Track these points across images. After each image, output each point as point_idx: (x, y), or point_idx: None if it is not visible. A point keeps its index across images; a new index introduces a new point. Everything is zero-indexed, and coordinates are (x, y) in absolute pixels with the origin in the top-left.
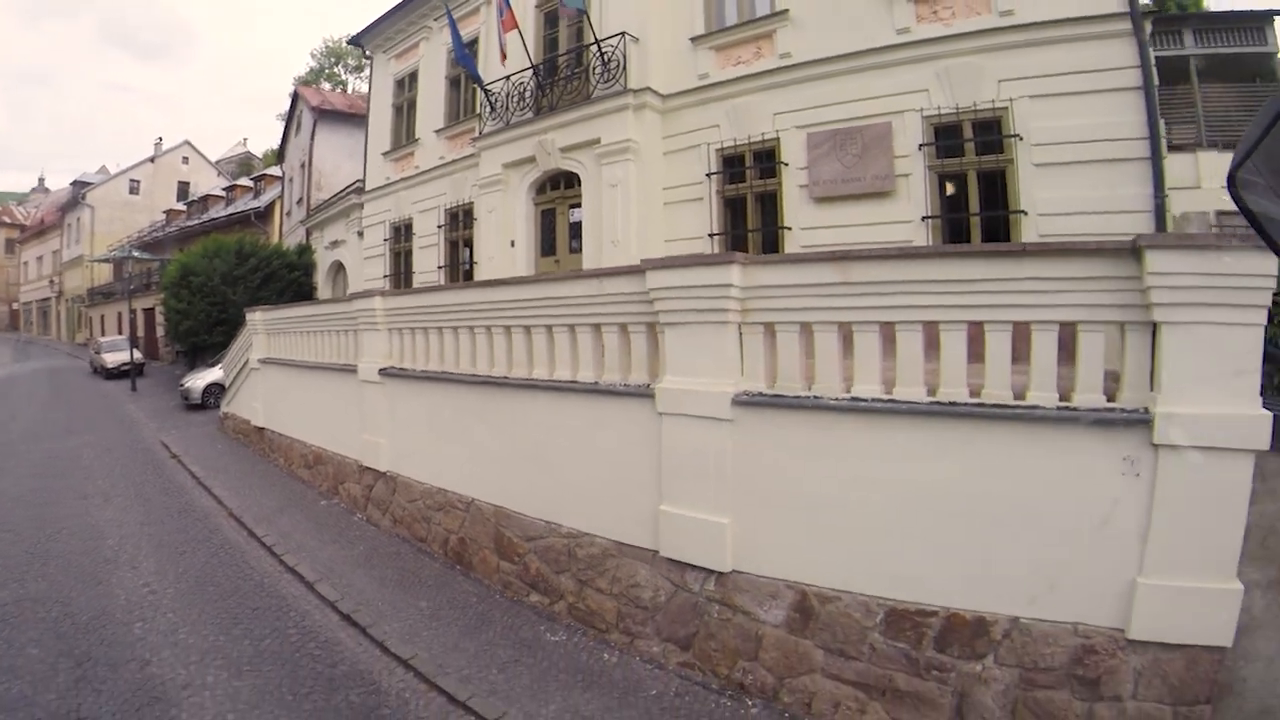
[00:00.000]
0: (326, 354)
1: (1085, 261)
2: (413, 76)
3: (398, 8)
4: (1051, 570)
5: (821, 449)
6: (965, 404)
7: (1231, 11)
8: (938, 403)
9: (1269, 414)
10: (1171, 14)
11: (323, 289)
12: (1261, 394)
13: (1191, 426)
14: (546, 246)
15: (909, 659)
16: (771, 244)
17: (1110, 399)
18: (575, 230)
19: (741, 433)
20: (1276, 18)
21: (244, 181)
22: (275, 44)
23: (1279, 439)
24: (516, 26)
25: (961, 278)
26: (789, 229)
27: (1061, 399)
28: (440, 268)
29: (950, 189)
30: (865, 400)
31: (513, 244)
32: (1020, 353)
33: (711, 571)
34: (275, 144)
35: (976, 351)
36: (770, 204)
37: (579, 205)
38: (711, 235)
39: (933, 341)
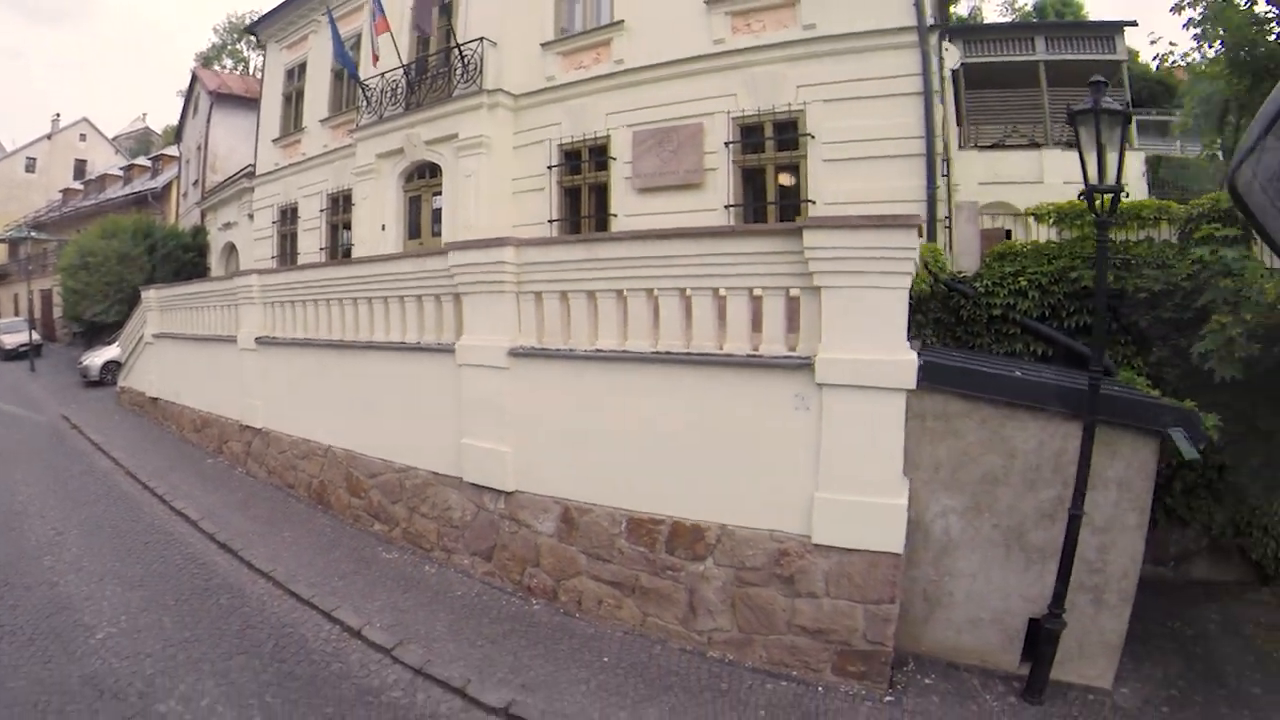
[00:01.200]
0: (212, 327)
1: (765, 240)
2: (302, 67)
3: (289, 2)
4: (748, 486)
5: (574, 389)
6: (679, 353)
7: (1084, 21)
8: (658, 352)
9: (913, 359)
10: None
11: (216, 269)
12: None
13: (843, 369)
14: (413, 230)
15: (648, 560)
16: (602, 228)
17: (792, 349)
18: (438, 215)
19: (516, 378)
20: (1126, 28)
21: (141, 161)
22: (178, 14)
23: (963, 384)
24: (389, 30)
25: (676, 254)
26: (616, 216)
27: (754, 349)
28: (322, 249)
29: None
30: (606, 351)
31: (384, 228)
32: (724, 312)
33: (500, 492)
34: (175, 119)
35: (690, 311)
36: (602, 193)
37: (441, 193)
38: (551, 221)
39: (656, 304)
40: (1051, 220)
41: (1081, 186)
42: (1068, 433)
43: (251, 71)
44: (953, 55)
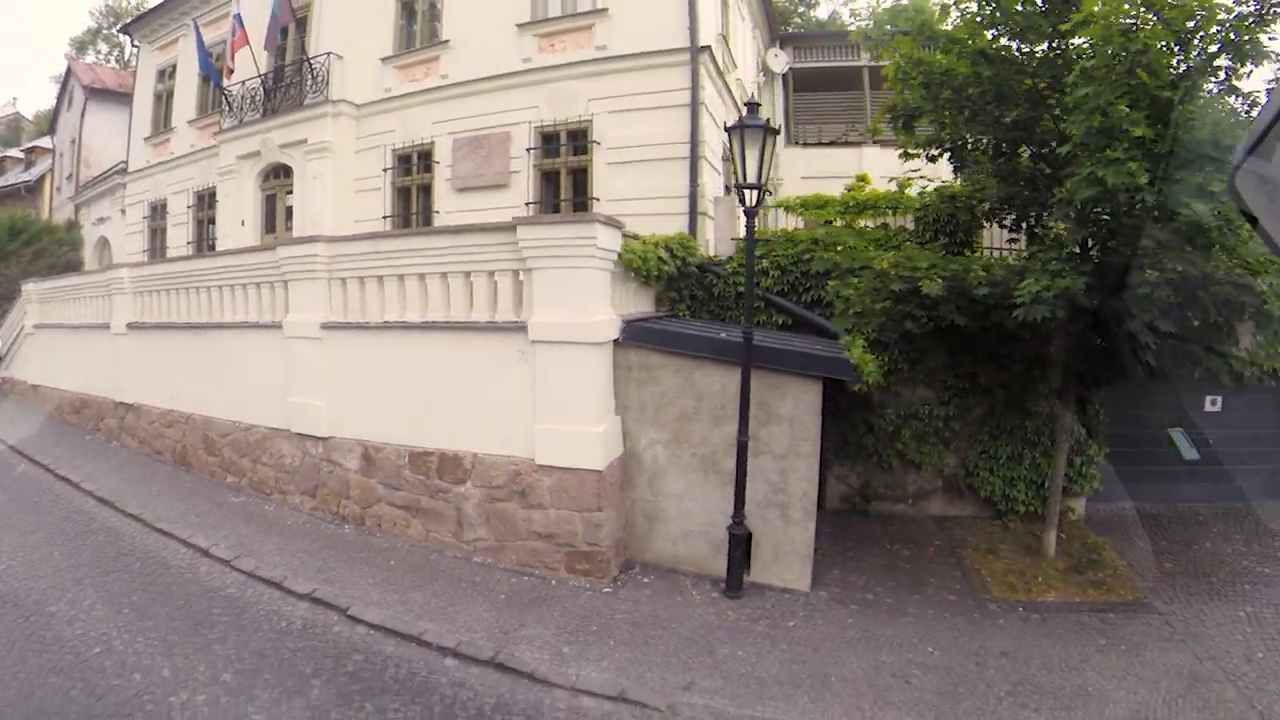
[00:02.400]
0: (88, 316)
1: (494, 235)
2: (172, 68)
3: (161, 4)
4: (491, 421)
5: (370, 352)
6: (441, 321)
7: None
8: (426, 321)
9: (610, 320)
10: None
11: (90, 263)
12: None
13: (549, 329)
14: (269, 225)
15: (426, 486)
16: (427, 223)
17: (518, 316)
18: (290, 212)
19: (327, 346)
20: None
21: (14, 153)
22: None
23: (660, 341)
24: (248, 44)
25: (437, 246)
26: (439, 212)
27: (492, 317)
28: (189, 243)
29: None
30: (391, 322)
31: (243, 223)
32: (472, 290)
33: (319, 438)
34: (48, 104)
35: (449, 289)
36: (428, 193)
37: (293, 192)
38: (385, 217)
39: (424, 284)
40: (798, 211)
41: (890, 178)
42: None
43: (126, 58)
44: (781, 61)
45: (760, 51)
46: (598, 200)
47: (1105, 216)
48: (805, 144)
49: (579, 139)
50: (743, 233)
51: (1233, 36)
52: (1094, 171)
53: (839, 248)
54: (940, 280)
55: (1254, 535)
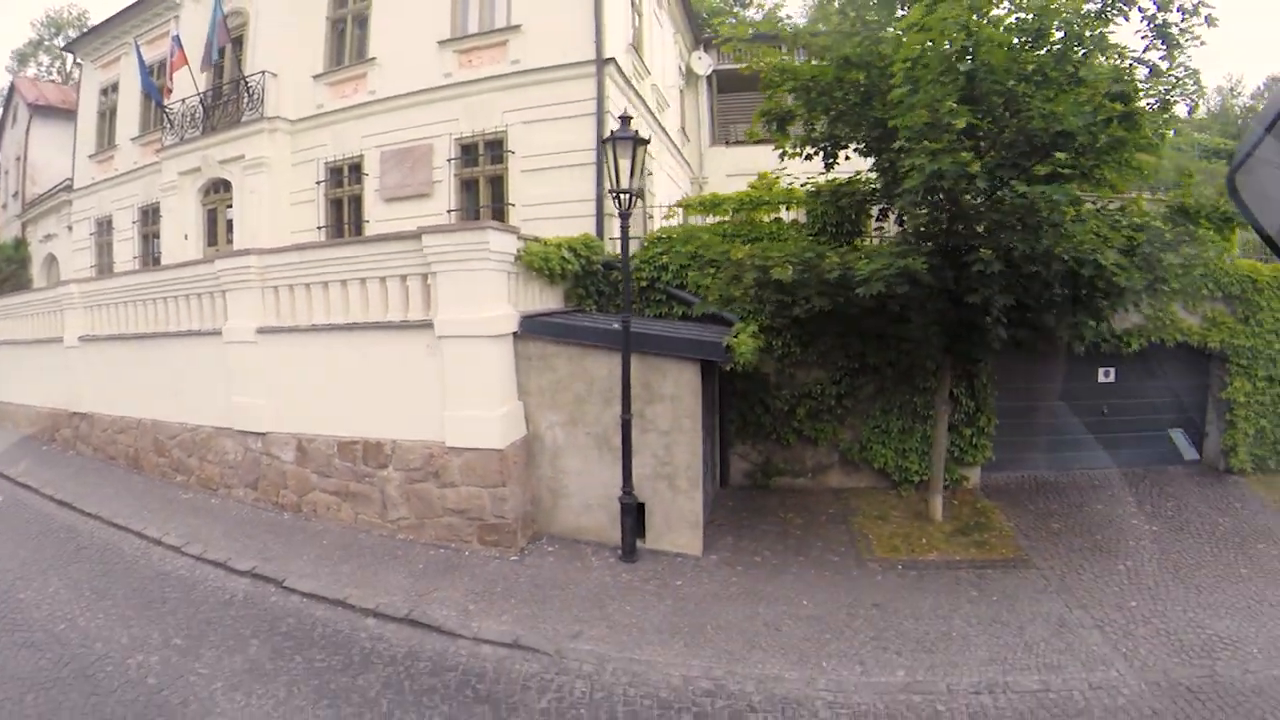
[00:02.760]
0: (42, 331)
1: (403, 243)
2: (115, 86)
3: (102, 24)
4: (407, 409)
5: (301, 352)
6: (361, 322)
7: None
8: (350, 323)
9: (508, 315)
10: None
11: (38, 280)
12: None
13: (453, 325)
14: (211, 238)
15: (355, 472)
16: (358, 232)
17: (426, 314)
18: (231, 225)
19: (263, 348)
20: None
21: None
22: None
23: (555, 332)
24: (187, 64)
25: (355, 255)
26: (369, 222)
27: (405, 317)
28: (135, 258)
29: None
30: (319, 324)
31: (186, 237)
32: (387, 292)
33: (259, 434)
34: None
35: (369, 293)
36: (358, 203)
37: (233, 205)
38: (320, 228)
39: (346, 289)
40: (697, 209)
41: (810, 176)
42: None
43: (68, 69)
44: (704, 63)
45: (683, 55)
46: (514, 206)
47: (944, 201)
48: (730, 143)
49: (496, 149)
50: (654, 229)
51: (1076, 28)
52: (915, 161)
53: (698, 241)
54: (791, 267)
55: (1145, 498)
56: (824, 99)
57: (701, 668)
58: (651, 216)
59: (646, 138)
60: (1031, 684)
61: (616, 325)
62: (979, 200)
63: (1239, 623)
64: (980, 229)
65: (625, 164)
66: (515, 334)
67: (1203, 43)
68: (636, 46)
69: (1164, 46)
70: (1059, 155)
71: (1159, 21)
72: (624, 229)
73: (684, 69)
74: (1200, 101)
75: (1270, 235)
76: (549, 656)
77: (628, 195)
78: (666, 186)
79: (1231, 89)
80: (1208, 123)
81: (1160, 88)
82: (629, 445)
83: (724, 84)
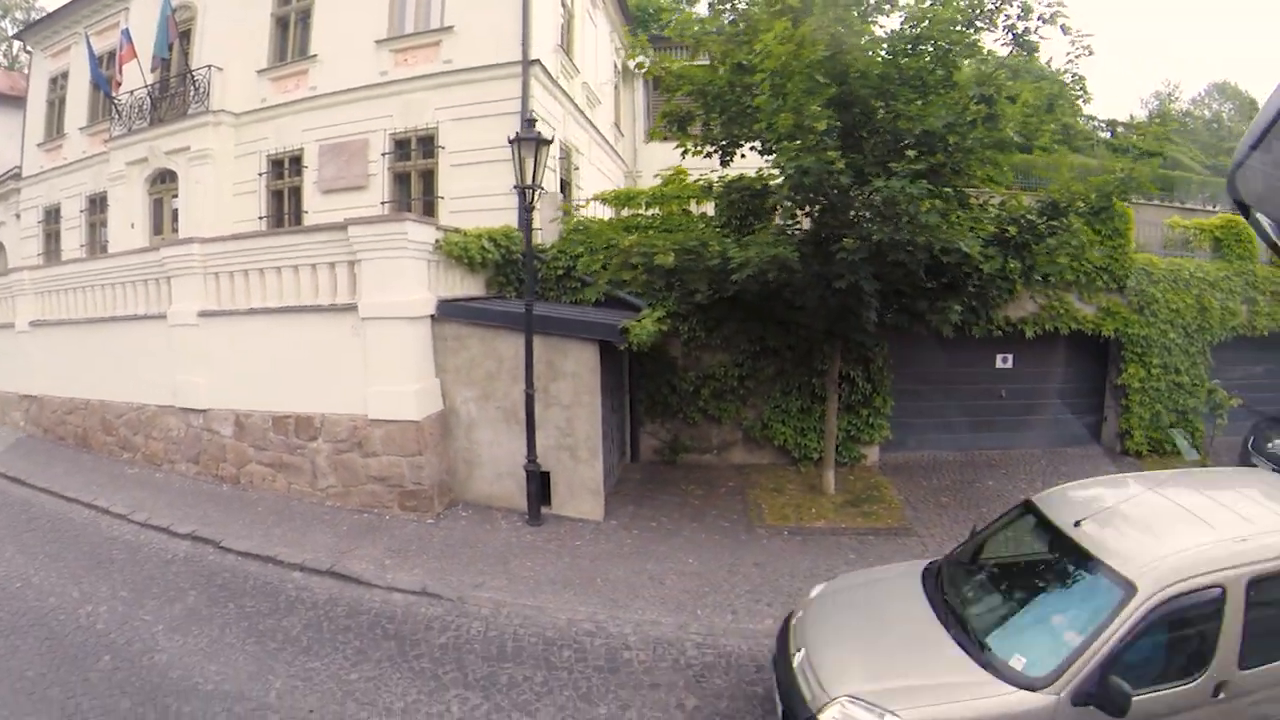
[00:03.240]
0: None
1: (332, 233)
2: (65, 75)
3: (53, 14)
4: (335, 385)
5: (239, 334)
6: (294, 305)
7: None
8: (284, 306)
9: (426, 299)
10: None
11: None
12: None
13: (375, 308)
14: (157, 227)
15: (288, 444)
16: (298, 223)
17: (352, 298)
18: (176, 215)
19: (205, 330)
20: None
21: None
22: None
23: (467, 315)
24: (135, 57)
25: (289, 244)
26: (308, 213)
27: (333, 301)
28: (83, 246)
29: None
30: (256, 308)
31: (133, 226)
32: (317, 278)
33: (200, 410)
34: None
35: (301, 279)
36: (298, 195)
37: (178, 195)
38: (261, 218)
39: (280, 275)
40: (613, 203)
41: (743, 171)
42: (532, 343)
43: (14, 53)
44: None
45: (618, 52)
46: (443, 198)
47: (813, 195)
48: (666, 138)
49: (427, 144)
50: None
51: (948, 38)
52: (782, 160)
53: (601, 233)
54: (674, 254)
55: (1038, 476)
56: (719, 102)
57: (587, 613)
58: (578, 209)
59: (549, 139)
60: None
61: (519, 309)
62: (841, 195)
63: None
64: (844, 220)
65: (529, 162)
66: (433, 317)
67: (1090, 52)
68: (566, 47)
69: (1023, 52)
70: (909, 153)
71: (1018, 30)
72: (527, 222)
73: (619, 66)
74: (1082, 104)
75: (1269, 234)
76: (452, 602)
77: (531, 190)
78: (596, 180)
79: (1169, 94)
80: (1146, 126)
81: (1048, 91)
82: (532, 418)
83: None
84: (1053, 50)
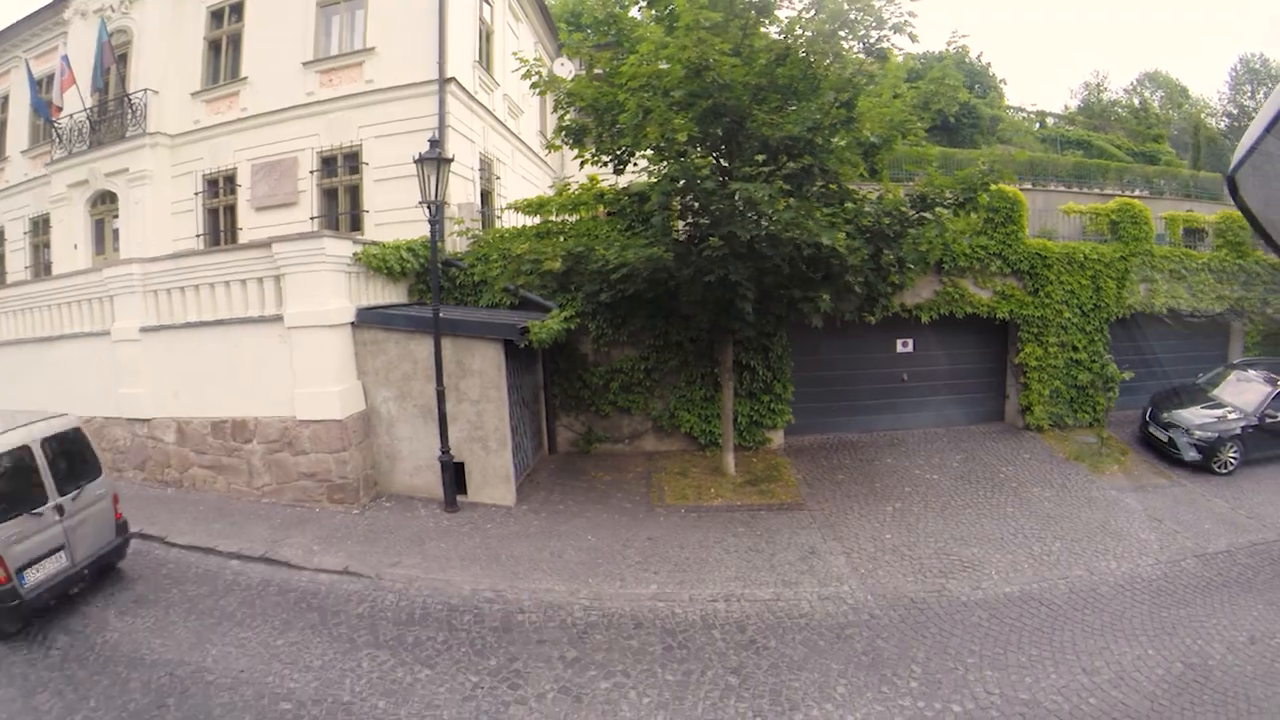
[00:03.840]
0: None
1: (258, 250)
2: (6, 99)
3: None
4: (266, 390)
5: (178, 346)
6: (227, 318)
7: None
8: (217, 319)
9: (345, 308)
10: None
11: None
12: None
13: (300, 317)
14: (99, 247)
15: (225, 447)
16: (233, 239)
17: (279, 310)
18: (117, 235)
19: (146, 345)
20: None
21: None
22: None
23: (384, 321)
24: (75, 83)
25: (220, 261)
26: (242, 229)
27: (262, 312)
28: (27, 267)
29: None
30: (192, 321)
31: (76, 247)
32: (247, 292)
33: (144, 420)
34: None
35: (232, 293)
36: (233, 213)
37: (119, 216)
38: (198, 236)
39: (214, 290)
40: (525, 210)
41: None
42: (442, 345)
43: None
44: (567, 70)
45: (545, 63)
46: (368, 212)
47: (685, 199)
48: (561, 149)
49: (353, 160)
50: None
51: (814, 48)
52: (652, 166)
53: (504, 238)
54: (560, 259)
55: (936, 453)
56: (609, 115)
57: (489, 584)
58: (500, 217)
59: (450, 157)
60: (765, 595)
61: (418, 313)
62: (707, 197)
63: (987, 550)
64: (713, 220)
65: (433, 179)
66: (353, 324)
67: (967, 51)
68: (485, 62)
69: (877, 60)
70: (759, 157)
71: (871, 39)
72: (433, 233)
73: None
74: (997, 99)
75: (1269, 233)
76: (370, 579)
77: (434, 205)
78: (522, 188)
79: (1098, 85)
80: (1074, 115)
81: (924, 90)
82: (444, 413)
83: None
84: (937, 51)
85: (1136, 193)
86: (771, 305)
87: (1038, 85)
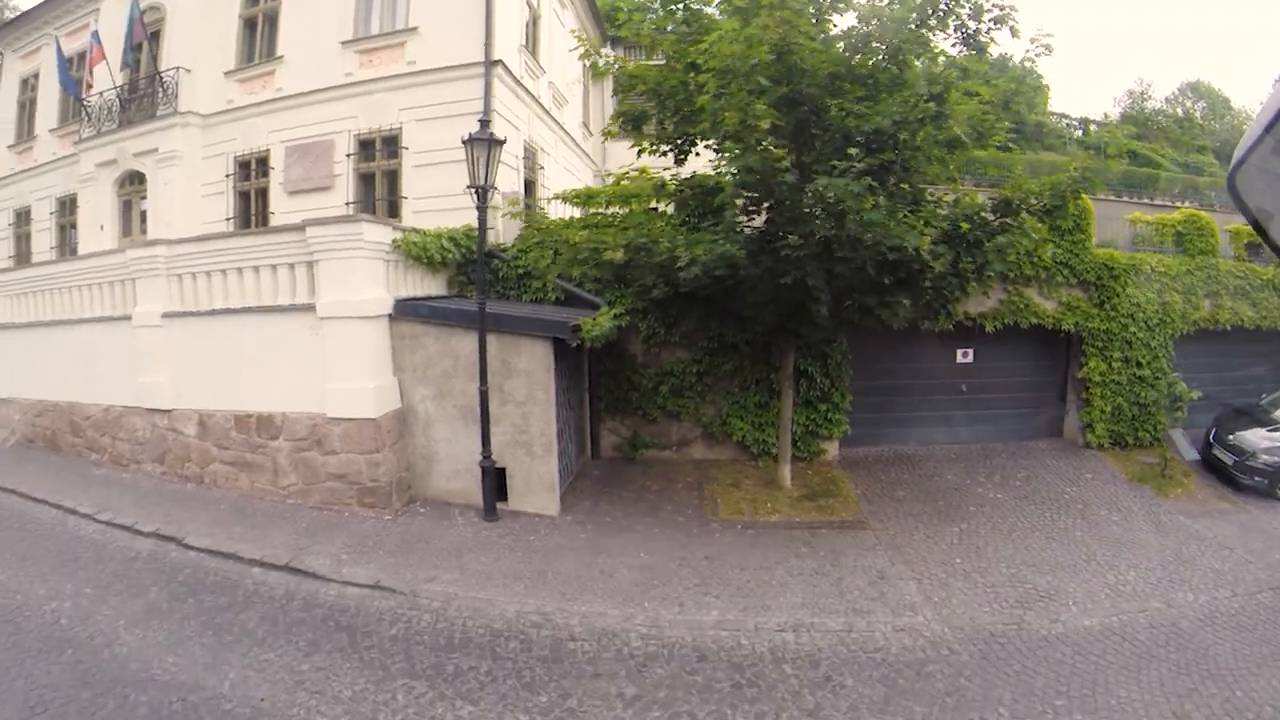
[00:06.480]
0: None
1: (290, 234)
2: (36, 77)
3: (23, 15)
4: (295, 384)
5: (203, 334)
6: (255, 306)
7: None
8: (244, 306)
9: (382, 299)
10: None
11: None
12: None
13: (333, 308)
14: (126, 230)
15: (250, 443)
16: (264, 224)
17: (311, 298)
18: (145, 217)
19: (170, 331)
20: None
21: None
22: None
23: (423, 314)
24: (105, 59)
25: (248, 245)
26: (274, 214)
27: (294, 301)
28: (53, 248)
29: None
30: (217, 309)
31: (102, 228)
32: (278, 278)
33: (164, 411)
34: None
35: (261, 279)
36: (265, 196)
37: (147, 197)
38: (228, 219)
39: (242, 276)
40: (574, 201)
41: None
42: (487, 341)
43: None
44: (609, 59)
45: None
46: (407, 199)
47: (760, 193)
48: (619, 137)
49: (392, 145)
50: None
51: (898, 38)
52: (728, 157)
53: (551, 229)
54: (622, 250)
55: (997, 470)
56: (671, 101)
57: (535, 605)
58: (544, 208)
59: (502, 139)
60: (836, 625)
61: (474, 307)
62: (788, 192)
63: (1061, 579)
64: (791, 217)
65: (482, 162)
66: (390, 316)
67: (1050, 50)
68: (531, 47)
69: (974, 52)
70: (852, 150)
71: (969, 30)
72: (481, 219)
73: (588, 65)
74: (1040, 102)
75: (1270, 234)
76: (404, 595)
77: (483, 190)
78: (564, 179)
79: (1142, 93)
80: (1119, 125)
81: (1004, 89)
82: (487, 414)
83: None
84: (1012, 50)
85: (1186, 204)
86: (842, 310)
87: (1078, 91)
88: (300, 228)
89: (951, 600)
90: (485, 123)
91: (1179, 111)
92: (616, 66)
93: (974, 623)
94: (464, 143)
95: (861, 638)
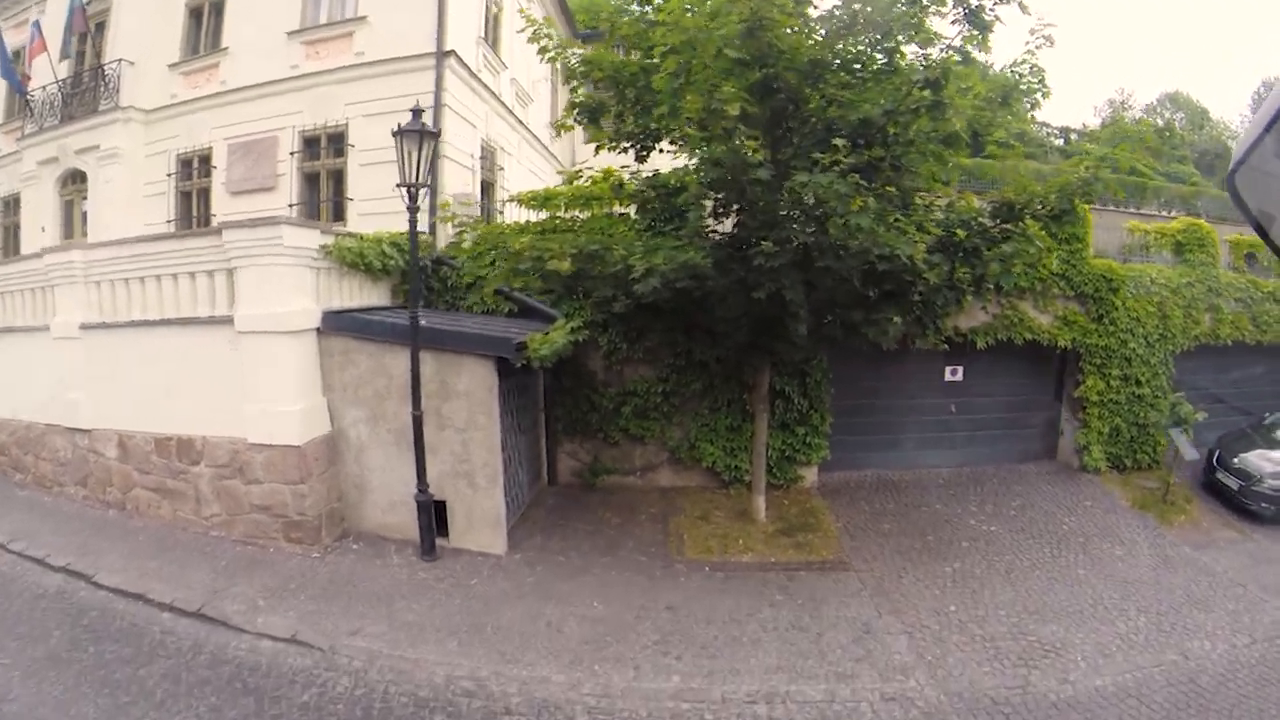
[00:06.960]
0: None
1: (209, 238)
2: None
3: None
4: (214, 405)
5: (120, 348)
6: (173, 317)
7: None
8: (163, 318)
9: (308, 310)
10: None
11: None
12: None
13: (253, 320)
14: (68, 230)
15: (170, 468)
16: (206, 225)
17: (229, 309)
18: (86, 218)
19: (87, 344)
20: None
21: None
22: None
23: (355, 328)
24: (46, 50)
25: (167, 250)
26: (216, 216)
27: (211, 312)
28: None
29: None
30: (135, 320)
31: (44, 229)
32: (196, 287)
33: (85, 430)
34: None
35: (180, 288)
36: (207, 197)
37: (88, 198)
38: (170, 221)
39: (160, 284)
40: (529, 205)
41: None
42: (422, 359)
43: None
44: (579, 58)
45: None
46: (352, 200)
47: (728, 192)
48: (572, 129)
49: (338, 142)
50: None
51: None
52: (691, 148)
53: (504, 234)
54: (570, 259)
55: (989, 497)
56: (632, 90)
57: (469, 668)
58: (501, 212)
59: (436, 130)
60: (816, 694)
61: (406, 321)
62: (761, 191)
63: (1067, 628)
64: (765, 221)
65: (414, 156)
66: (319, 329)
67: (1051, 42)
68: (492, 41)
69: (976, 31)
70: (838, 142)
71: (971, 5)
72: (412, 222)
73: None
74: (1042, 100)
75: (1269, 235)
76: (322, 652)
77: (413, 188)
78: (527, 182)
79: (1123, 102)
80: (1099, 133)
81: (1003, 83)
82: (421, 441)
83: None
84: (1008, 46)
85: (1173, 213)
86: (823, 327)
87: (1057, 101)
88: (218, 231)
89: (947, 659)
90: (418, 111)
91: (1159, 122)
92: (570, 53)
93: (974, 687)
94: (393, 135)
95: (845, 710)
